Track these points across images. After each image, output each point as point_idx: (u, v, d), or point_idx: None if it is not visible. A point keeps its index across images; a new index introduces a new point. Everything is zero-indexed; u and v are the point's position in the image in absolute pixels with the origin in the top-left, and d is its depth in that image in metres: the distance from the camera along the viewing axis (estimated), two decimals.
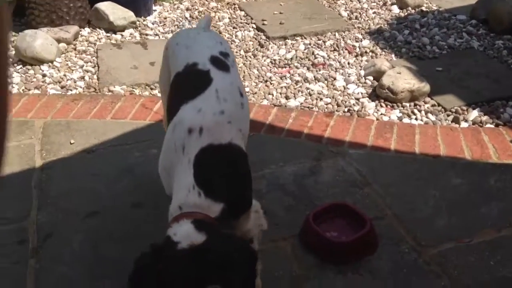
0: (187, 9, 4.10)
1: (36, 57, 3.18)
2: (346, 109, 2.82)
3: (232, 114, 1.50)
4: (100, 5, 3.68)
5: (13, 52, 3.29)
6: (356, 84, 3.06)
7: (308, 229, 1.90)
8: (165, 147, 1.51)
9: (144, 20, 3.88)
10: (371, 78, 3.09)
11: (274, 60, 3.35)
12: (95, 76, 3.16)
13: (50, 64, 3.23)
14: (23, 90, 2.99)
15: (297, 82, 3.11)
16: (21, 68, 3.20)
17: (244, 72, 3.22)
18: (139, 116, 2.72)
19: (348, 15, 3.97)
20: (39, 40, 3.20)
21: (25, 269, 1.79)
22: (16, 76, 3.11)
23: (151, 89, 3.05)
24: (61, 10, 3.55)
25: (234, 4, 4.19)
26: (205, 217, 1.31)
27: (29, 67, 3.19)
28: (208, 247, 1.20)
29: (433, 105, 2.86)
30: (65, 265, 1.82)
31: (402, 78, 2.89)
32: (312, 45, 3.53)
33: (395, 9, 4.06)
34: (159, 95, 2.99)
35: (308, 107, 2.86)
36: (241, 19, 3.94)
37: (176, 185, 1.41)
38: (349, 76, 3.13)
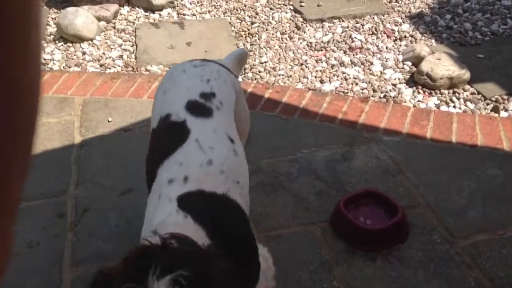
0: None
1: (77, 34, 3.26)
2: (382, 95, 2.78)
3: (224, 163, 1.26)
4: None
5: (55, 29, 3.37)
6: (394, 70, 3.00)
7: (339, 215, 1.90)
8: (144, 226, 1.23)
9: (182, 0, 3.90)
10: (409, 63, 3.02)
11: (310, 43, 3.31)
12: (133, 55, 3.21)
13: (90, 42, 3.30)
14: (63, 67, 3.08)
15: (333, 66, 3.07)
16: (62, 45, 3.28)
17: (280, 55, 3.20)
18: None
19: None
20: (80, 18, 3.27)
21: (63, 242, 1.88)
22: (57, 53, 3.20)
23: None
24: None
25: None
26: (189, 239, 1.06)
27: (70, 44, 3.28)
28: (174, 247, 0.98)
29: (472, 93, 2.78)
30: (101, 239, 1.90)
31: (441, 65, 2.81)
32: (349, 28, 3.47)
33: None
34: None
35: (343, 92, 2.83)
36: (278, 0, 3.90)
37: (147, 216, 1.22)
38: (386, 61, 3.07)
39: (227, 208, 1.22)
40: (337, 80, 2.94)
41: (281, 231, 1.95)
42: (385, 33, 3.41)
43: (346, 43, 3.29)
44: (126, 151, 2.37)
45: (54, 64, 3.08)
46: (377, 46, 3.25)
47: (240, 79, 2.97)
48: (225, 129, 1.37)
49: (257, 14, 3.70)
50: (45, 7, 3.79)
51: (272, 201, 2.07)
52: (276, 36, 3.41)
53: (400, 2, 3.81)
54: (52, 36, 3.36)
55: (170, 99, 1.43)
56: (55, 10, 3.69)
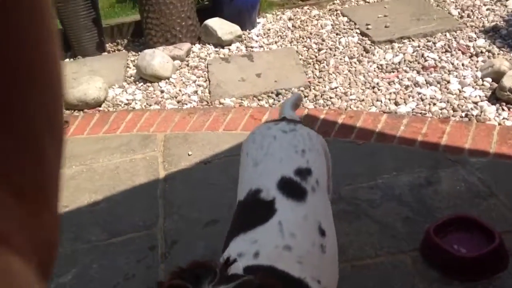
0: (290, 19, 4.17)
1: (155, 74, 3.45)
2: (463, 114, 2.68)
3: (305, 256, 1.12)
4: (209, 22, 3.88)
5: (135, 71, 3.59)
6: (473, 87, 2.89)
7: (430, 243, 1.83)
8: None
9: (249, 33, 4.02)
10: (489, 79, 2.90)
11: (381, 65, 3.28)
12: (206, 90, 3.33)
13: (167, 80, 3.47)
14: (144, 106, 3.25)
15: (406, 87, 3.01)
16: (142, 85, 3.48)
17: (350, 79, 3.19)
18: (249, 127, 2.82)
19: (459, 14, 3.76)
20: (157, 58, 3.46)
21: (157, 273, 1.95)
22: (138, 93, 3.39)
23: (259, 100, 3.15)
24: (175, 29, 3.80)
25: (336, 10, 4.17)
26: None
27: (149, 84, 3.47)
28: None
29: None
30: None
31: None
32: (421, 47, 3.40)
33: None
34: (266, 105, 3.08)
35: (420, 113, 2.76)
36: (344, 25, 3.91)
37: None
38: (464, 79, 2.97)
39: None
40: (413, 101, 2.88)
41: (368, 260, 1.90)
42: (459, 49, 3.30)
43: (418, 63, 3.22)
44: (208, 183, 2.44)
45: (136, 103, 3.27)
46: (452, 64, 3.15)
47: (311, 105, 2.99)
48: (317, 217, 1.22)
49: (323, 40, 3.73)
50: (124, 50, 4.06)
51: (356, 230, 2.04)
52: (345, 61, 3.41)
53: (472, 16, 3.69)
54: (132, 78, 3.58)
55: (262, 173, 1.31)
56: (133, 53, 3.94)
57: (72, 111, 3.25)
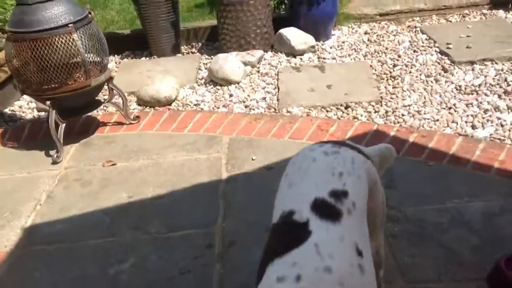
0: (365, 33, 4.10)
1: (226, 78, 3.51)
2: None
3: (345, 277, 1.09)
4: (283, 31, 3.90)
5: (206, 73, 3.67)
6: None
7: (499, 275, 1.71)
8: None
9: (322, 44, 3.99)
10: None
11: (459, 86, 3.13)
12: (275, 97, 3.34)
13: (236, 84, 3.52)
14: (213, 107, 3.31)
15: (486, 110, 2.85)
16: (212, 87, 3.55)
17: (425, 98, 3.07)
18: (315, 138, 2.79)
19: None
20: (229, 63, 3.52)
21: (212, 272, 1.96)
22: (208, 95, 3.46)
23: (327, 111, 3.11)
24: (249, 36, 3.86)
25: (416, 27, 4.06)
26: None
27: (219, 87, 3.53)
28: None
29: None
30: (245, 274, 1.94)
31: None
32: (504, 71, 3.21)
33: None
34: (334, 117, 3.03)
35: (499, 139, 2.60)
36: (422, 42, 3.79)
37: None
38: None
39: None
40: (492, 126, 2.72)
41: (432, 285, 1.80)
42: None
43: (500, 87, 3.05)
44: (269, 189, 2.41)
45: (205, 105, 3.34)
46: None
47: (381, 121, 2.91)
48: (354, 238, 1.19)
49: (399, 56, 3.63)
50: (197, 53, 4.17)
51: (421, 252, 1.94)
52: (421, 79, 3.29)
53: None
54: (203, 80, 3.66)
55: (295, 195, 1.29)
56: (206, 56, 4.04)
57: (144, 107, 3.37)
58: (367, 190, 1.35)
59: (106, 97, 3.11)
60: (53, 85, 2.78)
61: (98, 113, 3.26)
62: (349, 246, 1.16)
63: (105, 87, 3.02)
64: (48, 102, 2.80)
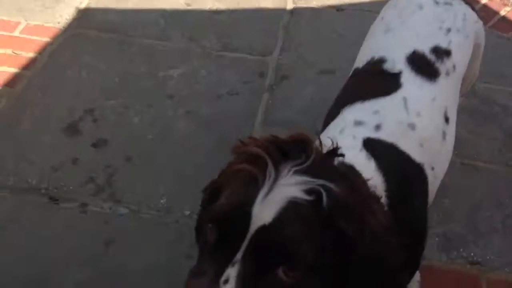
0: None
1: None
2: None
3: (427, 139, 1.02)
4: None
5: None
6: None
7: None
8: None
9: None
10: None
11: None
12: None
13: None
14: None
15: None
16: None
17: None
18: None
19: None
20: None
21: (259, 100, 1.91)
22: None
23: None
24: None
25: None
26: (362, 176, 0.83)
27: None
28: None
29: None
30: (293, 109, 1.88)
31: None
32: None
33: None
34: None
35: None
36: None
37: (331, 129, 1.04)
38: None
39: (417, 178, 0.99)
40: None
41: (479, 163, 1.74)
42: None
43: None
44: (335, 31, 2.25)
45: None
46: None
47: None
48: (445, 102, 1.11)
49: None
50: None
51: (480, 130, 1.84)
52: None
53: None
54: None
55: (391, 42, 1.17)
56: None
57: None
58: (470, 53, 1.23)
59: None
60: None
61: None
62: (439, 109, 1.09)
63: None
64: None
